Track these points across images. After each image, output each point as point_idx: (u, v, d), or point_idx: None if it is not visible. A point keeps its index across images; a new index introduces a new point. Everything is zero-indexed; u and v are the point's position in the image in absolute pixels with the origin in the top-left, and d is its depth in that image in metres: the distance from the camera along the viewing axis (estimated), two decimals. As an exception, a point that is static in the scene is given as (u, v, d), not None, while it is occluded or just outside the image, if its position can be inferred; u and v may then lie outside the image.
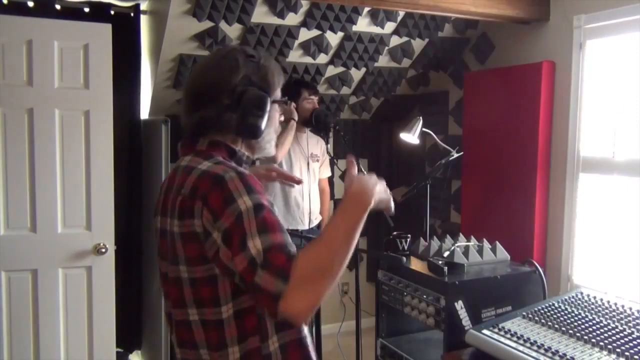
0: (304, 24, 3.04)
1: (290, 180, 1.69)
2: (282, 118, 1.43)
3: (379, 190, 1.23)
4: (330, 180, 4.00)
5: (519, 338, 1.68)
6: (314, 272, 1.09)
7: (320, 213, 3.43)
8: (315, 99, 3.19)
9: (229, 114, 1.25)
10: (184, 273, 1.19)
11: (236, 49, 1.31)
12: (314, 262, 1.09)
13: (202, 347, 1.21)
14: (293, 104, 3.07)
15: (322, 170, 3.43)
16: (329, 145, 3.34)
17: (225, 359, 1.18)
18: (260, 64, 1.30)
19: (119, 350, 3.20)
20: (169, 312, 1.30)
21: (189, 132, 1.31)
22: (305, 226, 3.20)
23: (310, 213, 3.23)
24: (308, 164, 3.23)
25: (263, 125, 1.28)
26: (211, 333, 1.19)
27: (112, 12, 3.08)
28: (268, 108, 1.28)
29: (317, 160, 3.33)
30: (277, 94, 1.35)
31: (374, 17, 3.14)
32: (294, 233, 2.95)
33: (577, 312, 1.82)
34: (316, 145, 3.32)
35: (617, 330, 1.67)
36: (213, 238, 1.12)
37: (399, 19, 3.21)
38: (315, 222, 3.33)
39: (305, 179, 3.21)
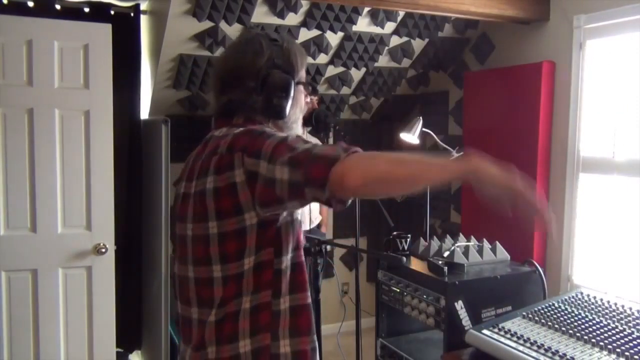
0: (304, 24, 3.04)
1: None
2: (308, 99, 1.46)
3: (501, 169, 1.05)
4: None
5: (519, 338, 1.68)
6: (373, 158, 1.08)
7: (320, 213, 3.43)
8: (314, 99, 3.20)
9: (255, 96, 1.29)
10: (212, 229, 1.21)
11: (260, 34, 1.35)
12: (375, 155, 1.09)
13: (214, 302, 1.23)
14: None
15: None
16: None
17: (238, 307, 1.21)
18: (284, 47, 1.33)
19: (119, 350, 3.20)
20: (179, 274, 1.32)
21: (219, 113, 1.36)
22: (306, 226, 3.21)
23: (310, 212, 3.23)
24: None
25: (288, 106, 1.31)
26: (230, 286, 1.21)
27: (112, 12, 3.08)
28: (292, 90, 1.31)
29: None
30: (302, 75, 1.39)
31: (374, 17, 3.14)
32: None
33: (577, 312, 1.82)
34: None
35: (617, 330, 1.67)
36: (260, 169, 1.13)
37: (399, 19, 3.21)
38: (315, 222, 3.33)
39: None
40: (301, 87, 1.40)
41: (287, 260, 1.24)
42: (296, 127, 1.40)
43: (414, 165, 1.07)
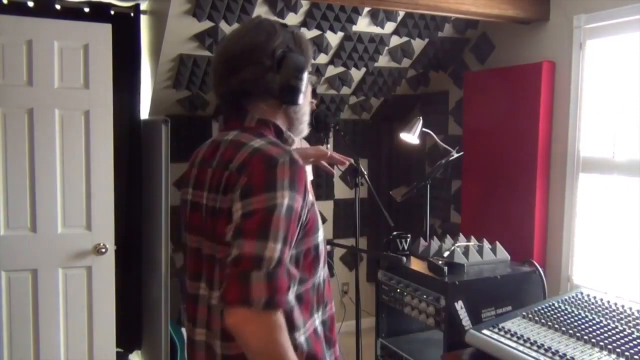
0: (304, 24, 3.04)
1: (340, 164, 1.69)
2: (312, 99, 1.40)
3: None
4: (330, 181, 4.01)
5: (519, 338, 1.68)
6: (278, 330, 1.05)
7: None
8: (314, 100, 3.19)
9: (272, 74, 1.22)
10: (218, 253, 1.17)
11: (269, 19, 1.31)
12: (282, 332, 1.06)
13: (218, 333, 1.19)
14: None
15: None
16: (329, 146, 3.34)
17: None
18: (295, 34, 1.30)
19: (119, 350, 3.20)
20: (191, 292, 1.27)
21: (230, 102, 1.29)
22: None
23: None
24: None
25: (302, 89, 1.26)
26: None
27: (112, 12, 3.08)
28: (306, 72, 1.27)
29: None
30: (309, 67, 1.33)
31: (374, 17, 3.14)
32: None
33: (577, 312, 1.82)
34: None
35: (617, 330, 1.67)
36: (236, 207, 1.10)
37: (399, 19, 3.21)
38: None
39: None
40: (309, 77, 1.34)
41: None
42: (305, 120, 1.35)
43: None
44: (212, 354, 1.21)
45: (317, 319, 1.27)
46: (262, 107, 1.27)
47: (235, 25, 2.89)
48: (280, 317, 1.06)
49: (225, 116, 1.33)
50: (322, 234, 1.26)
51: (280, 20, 1.32)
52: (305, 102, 1.31)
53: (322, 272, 1.28)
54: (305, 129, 1.36)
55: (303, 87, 1.26)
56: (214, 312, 1.19)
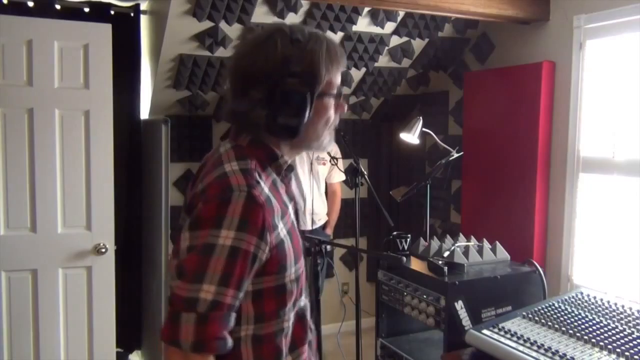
0: (304, 24, 3.04)
1: None
2: (332, 110, 1.19)
3: None
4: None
5: (519, 338, 1.68)
6: None
7: (328, 214, 3.44)
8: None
9: (259, 109, 1.10)
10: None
11: (280, 30, 1.12)
12: None
13: None
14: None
15: (334, 175, 3.43)
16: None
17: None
18: (307, 49, 1.10)
19: (119, 350, 3.20)
20: None
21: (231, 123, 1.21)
22: (307, 227, 3.21)
23: (312, 214, 3.23)
24: (311, 165, 3.23)
25: (297, 124, 1.11)
26: None
27: (112, 12, 3.08)
28: (308, 104, 1.10)
29: (324, 164, 3.32)
30: (331, 83, 1.15)
31: (374, 17, 3.14)
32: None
33: (577, 312, 1.82)
34: None
35: (617, 330, 1.67)
36: (184, 236, 1.06)
37: (399, 19, 3.21)
38: (319, 223, 3.33)
39: (307, 180, 3.21)
40: (326, 100, 1.15)
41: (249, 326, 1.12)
42: (318, 145, 1.20)
43: None
44: None
45: None
46: (263, 133, 1.16)
47: (235, 25, 2.89)
48: None
49: (231, 127, 1.24)
50: (294, 273, 1.13)
51: (297, 32, 1.12)
52: (314, 128, 1.16)
53: (292, 313, 1.17)
54: (324, 144, 1.21)
55: (298, 121, 1.11)
56: None
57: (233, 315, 1.05)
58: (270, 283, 1.10)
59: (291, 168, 1.24)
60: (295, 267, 1.15)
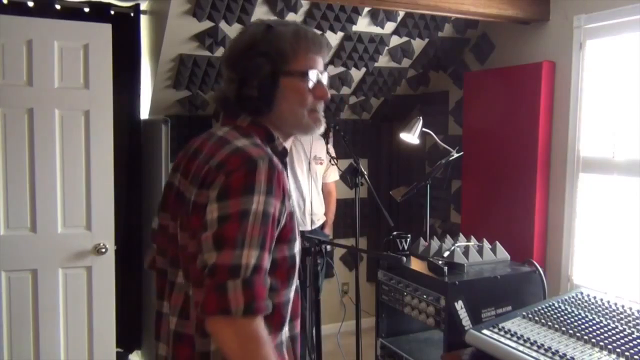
0: (304, 24, 3.04)
1: None
2: (309, 88, 1.24)
3: None
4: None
5: (519, 338, 1.68)
6: (259, 339, 1.05)
7: (325, 214, 3.44)
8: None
9: (233, 88, 1.20)
10: (189, 246, 1.15)
11: (257, 23, 1.25)
12: (264, 337, 1.06)
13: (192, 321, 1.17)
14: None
15: (329, 175, 3.44)
16: (329, 146, 3.34)
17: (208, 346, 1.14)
18: (274, 32, 1.20)
19: (119, 350, 3.20)
20: (160, 268, 1.27)
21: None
22: (307, 227, 3.21)
23: (312, 214, 3.23)
24: (309, 165, 3.23)
25: (262, 96, 1.19)
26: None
27: (112, 12, 3.08)
28: (271, 79, 1.18)
29: (321, 163, 3.33)
30: (301, 64, 1.22)
31: (374, 17, 3.14)
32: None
33: (577, 312, 1.82)
34: (321, 148, 3.32)
35: (617, 330, 1.67)
36: (211, 208, 1.08)
37: (399, 19, 3.21)
38: (317, 223, 3.33)
39: (305, 180, 3.21)
40: (296, 80, 1.22)
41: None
42: (298, 125, 1.26)
43: None
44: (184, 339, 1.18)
45: (284, 334, 1.23)
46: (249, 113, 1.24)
47: (235, 25, 2.89)
48: (260, 322, 1.05)
49: (224, 112, 1.29)
50: (298, 246, 1.21)
51: (272, 21, 1.24)
52: (287, 105, 1.22)
53: (295, 285, 1.24)
54: (305, 125, 1.26)
55: (264, 95, 1.19)
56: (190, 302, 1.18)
57: (268, 278, 1.09)
58: (284, 252, 1.16)
59: (285, 152, 1.29)
60: (299, 241, 1.21)
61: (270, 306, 1.08)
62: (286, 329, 1.22)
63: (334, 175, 3.49)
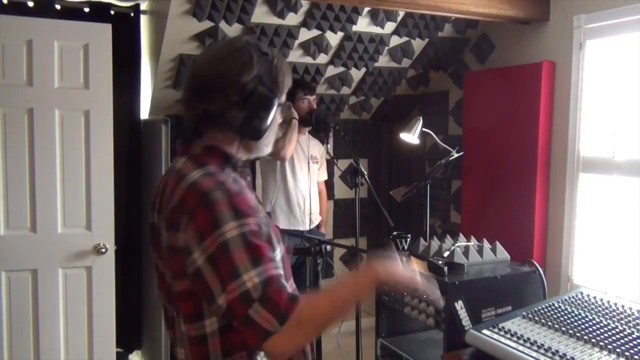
0: (304, 24, 3.04)
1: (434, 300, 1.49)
2: (281, 120, 1.36)
3: (397, 272, 1.17)
4: (330, 181, 4.00)
5: (519, 338, 1.68)
6: (311, 321, 1.07)
7: (320, 214, 3.44)
8: (311, 98, 3.19)
9: (235, 111, 1.18)
10: (172, 286, 1.17)
11: (250, 44, 1.24)
12: (314, 312, 1.08)
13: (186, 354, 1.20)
14: (291, 104, 3.14)
15: (320, 173, 3.44)
16: (329, 146, 3.34)
17: None
18: (274, 64, 1.24)
19: (119, 350, 3.20)
20: (163, 303, 1.28)
21: (191, 126, 1.26)
22: (306, 227, 3.21)
23: (310, 214, 3.23)
24: (308, 164, 3.23)
25: (265, 128, 1.23)
26: (194, 348, 1.17)
27: (112, 12, 3.08)
28: (274, 111, 1.23)
29: (316, 162, 3.34)
30: (283, 97, 1.30)
31: (374, 17, 3.14)
32: (296, 233, 2.95)
33: (577, 312, 1.82)
34: (316, 148, 3.32)
35: (617, 330, 1.67)
36: (193, 257, 1.09)
37: (399, 19, 3.21)
38: (315, 222, 3.33)
39: (305, 180, 3.21)
40: (282, 110, 1.30)
41: None
42: (266, 150, 1.31)
43: (343, 304, 1.13)
44: None
45: None
46: (218, 136, 1.24)
47: (235, 25, 2.89)
48: (297, 317, 1.05)
49: (181, 139, 1.29)
50: (279, 254, 1.21)
51: (263, 47, 1.26)
52: (268, 133, 1.27)
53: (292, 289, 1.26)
54: (266, 150, 1.32)
55: (265, 126, 1.22)
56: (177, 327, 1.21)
57: (282, 279, 1.10)
58: None
59: (246, 164, 1.33)
60: (279, 249, 1.21)
61: (297, 296, 1.08)
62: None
63: (323, 174, 3.50)
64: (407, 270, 1.20)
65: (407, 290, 1.22)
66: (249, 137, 1.24)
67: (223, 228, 1.07)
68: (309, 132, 3.30)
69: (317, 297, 1.10)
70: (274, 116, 1.25)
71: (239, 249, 1.06)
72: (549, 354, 1.57)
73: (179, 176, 1.18)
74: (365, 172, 2.69)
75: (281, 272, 1.10)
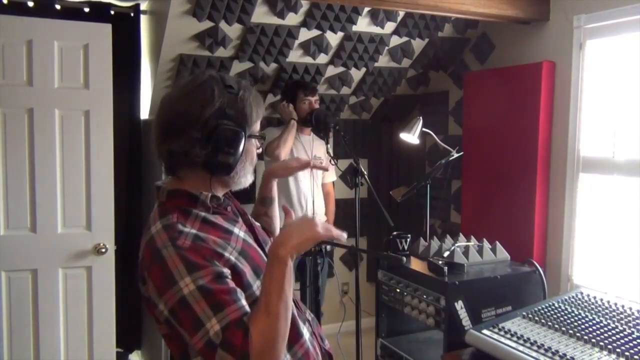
0: (304, 24, 3.04)
1: (323, 169, 1.61)
2: (260, 150, 1.35)
3: (298, 233, 1.12)
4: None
5: (519, 338, 1.68)
6: (268, 342, 1.06)
7: (325, 214, 3.44)
8: (312, 99, 3.20)
9: (198, 149, 1.18)
10: (158, 329, 1.23)
11: (214, 78, 1.23)
12: (264, 334, 1.05)
13: None
14: (291, 105, 3.15)
15: (327, 175, 3.44)
16: (329, 146, 3.34)
17: None
18: (239, 96, 1.22)
19: (119, 350, 3.20)
20: None
21: (162, 163, 1.27)
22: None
23: (314, 214, 3.23)
24: None
25: (233, 162, 1.21)
26: None
27: (112, 12, 3.08)
28: (242, 144, 1.21)
29: (321, 163, 3.33)
30: (256, 127, 1.29)
31: (374, 17, 3.14)
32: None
33: (577, 312, 1.82)
34: (321, 148, 3.32)
35: (617, 330, 1.67)
36: (160, 309, 1.13)
37: (399, 19, 3.21)
38: (319, 223, 3.33)
39: (307, 181, 3.22)
40: (253, 140, 1.29)
41: None
42: (244, 181, 1.30)
43: (281, 305, 1.07)
44: None
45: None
46: (190, 175, 1.24)
47: (235, 25, 2.89)
48: (256, 349, 1.04)
49: (158, 181, 1.32)
50: (257, 288, 1.20)
51: (228, 80, 1.24)
52: (242, 165, 1.26)
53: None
54: (245, 182, 1.30)
55: (234, 160, 1.21)
56: None
57: (244, 308, 1.09)
58: (248, 300, 1.14)
59: (217, 198, 1.28)
60: (260, 280, 1.20)
61: (248, 327, 1.06)
62: (288, 357, 1.22)
63: (331, 175, 3.49)
64: (304, 229, 1.13)
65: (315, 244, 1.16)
66: (219, 173, 1.23)
67: (179, 284, 1.08)
68: (313, 134, 3.30)
69: (258, 318, 1.06)
70: (247, 147, 1.24)
71: (197, 301, 1.07)
72: (549, 354, 1.57)
73: (147, 227, 1.23)
74: (365, 172, 2.69)
75: (245, 307, 1.09)
